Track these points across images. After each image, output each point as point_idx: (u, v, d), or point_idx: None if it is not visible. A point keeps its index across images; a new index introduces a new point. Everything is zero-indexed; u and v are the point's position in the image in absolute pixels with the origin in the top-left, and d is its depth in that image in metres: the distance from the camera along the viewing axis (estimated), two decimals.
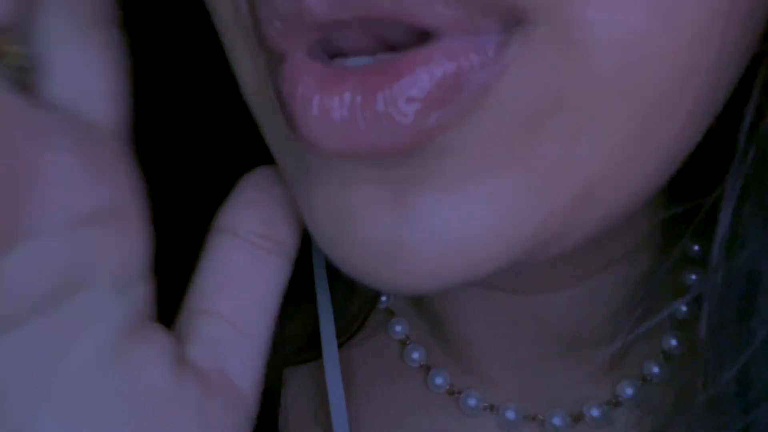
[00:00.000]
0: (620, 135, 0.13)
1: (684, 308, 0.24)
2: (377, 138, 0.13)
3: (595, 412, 0.24)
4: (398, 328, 0.27)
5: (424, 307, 0.26)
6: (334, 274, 0.25)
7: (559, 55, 0.12)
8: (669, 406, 0.22)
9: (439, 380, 0.26)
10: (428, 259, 0.14)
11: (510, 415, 0.24)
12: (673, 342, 0.24)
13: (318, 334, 0.25)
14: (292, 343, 0.27)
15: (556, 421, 0.24)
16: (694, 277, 0.24)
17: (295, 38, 0.13)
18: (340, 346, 0.25)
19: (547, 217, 0.14)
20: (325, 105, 0.13)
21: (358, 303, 0.27)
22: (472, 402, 0.25)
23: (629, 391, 0.24)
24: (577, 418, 0.24)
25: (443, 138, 0.13)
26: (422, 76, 0.12)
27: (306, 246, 0.25)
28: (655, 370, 0.24)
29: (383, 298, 0.27)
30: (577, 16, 0.12)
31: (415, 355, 0.26)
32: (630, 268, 0.22)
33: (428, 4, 0.12)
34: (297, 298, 0.27)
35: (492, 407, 0.25)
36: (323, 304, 0.24)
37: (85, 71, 0.15)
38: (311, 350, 0.26)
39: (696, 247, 0.24)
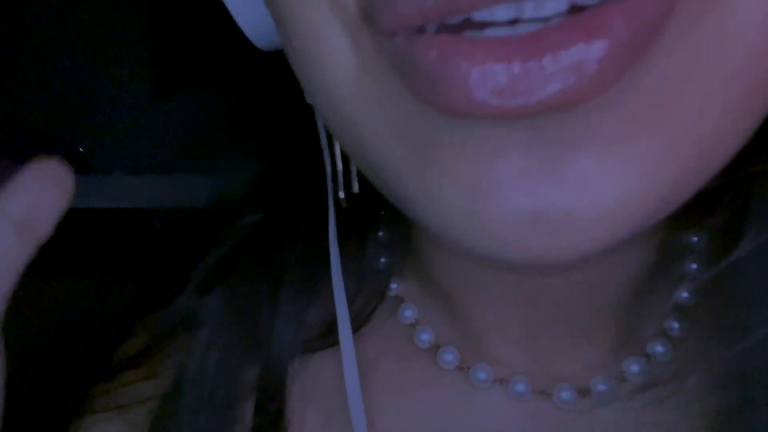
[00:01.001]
0: (740, 93, 0.14)
1: (685, 294, 0.25)
2: (545, 91, 0.12)
3: (602, 387, 0.25)
4: (408, 313, 0.28)
5: (434, 290, 0.27)
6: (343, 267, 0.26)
7: (715, 11, 0.13)
8: (672, 383, 0.23)
9: (449, 357, 0.26)
10: (585, 226, 0.14)
11: (519, 388, 0.25)
12: (675, 325, 0.25)
13: (330, 323, 0.26)
14: (309, 332, 0.27)
15: (564, 395, 0.25)
16: (694, 266, 0.25)
17: (437, 13, 0.13)
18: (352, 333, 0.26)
19: (677, 178, 0.14)
20: (491, 71, 0.13)
21: (367, 293, 0.28)
22: (481, 375, 0.26)
23: (635, 368, 0.25)
24: (584, 392, 0.25)
25: (608, 92, 0.13)
26: (599, 41, 0.12)
27: (321, 239, 0.26)
28: (659, 349, 0.25)
29: (393, 286, 0.28)
30: None
31: (425, 336, 0.27)
32: (636, 252, 0.23)
33: None
34: (309, 290, 0.28)
35: (501, 380, 0.26)
36: (339, 293, 0.25)
37: None
38: (323, 339, 0.27)
39: (695, 239, 0.24)
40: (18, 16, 1.15)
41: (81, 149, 1.16)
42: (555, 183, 0.13)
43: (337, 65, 0.15)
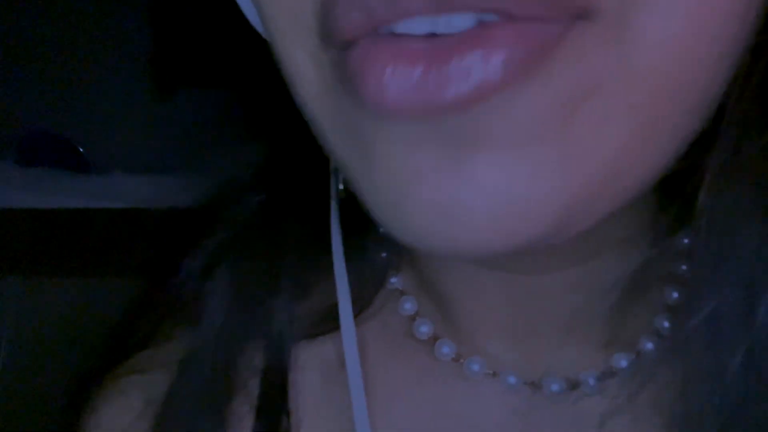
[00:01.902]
0: (643, 121, 0.15)
1: (675, 294, 0.26)
2: (446, 93, 0.14)
3: (591, 380, 0.26)
4: (407, 305, 0.29)
5: (431, 286, 0.28)
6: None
7: (606, 48, 0.14)
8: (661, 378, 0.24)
9: (446, 349, 0.27)
10: (483, 221, 0.15)
11: (511, 380, 0.26)
12: (665, 324, 0.26)
13: (330, 308, 0.27)
14: (308, 319, 0.28)
15: (554, 387, 0.26)
16: (684, 267, 0.25)
17: (369, 25, 0.15)
18: None
19: (578, 192, 0.15)
20: (401, 72, 0.14)
21: (366, 282, 0.29)
22: (475, 367, 0.27)
23: (623, 363, 0.26)
24: (574, 385, 0.26)
25: (495, 99, 0.14)
26: (495, 53, 0.14)
27: (322, 226, 0.27)
28: (649, 346, 0.26)
29: (393, 279, 0.29)
30: (631, 19, 0.14)
31: (424, 328, 0.28)
32: (624, 254, 0.24)
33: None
34: (310, 273, 0.29)
35: (494, 373, 0.27)
36: (341, 281, 0.26)
37: None
38: (323, 324, 0.28)
39: (685, 240, 0.25)
40: (18, 16, 1.15)
41: (81, 149, 1.16)
42: (456, 180, 0.15)
43: (303, 80, 0.18)
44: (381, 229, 0.29)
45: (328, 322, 0.28)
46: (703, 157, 0.19)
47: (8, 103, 1.13)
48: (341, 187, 0.26)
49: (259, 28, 0.23)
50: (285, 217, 0.29)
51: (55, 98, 1.15)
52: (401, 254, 0.29)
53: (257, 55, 0.28)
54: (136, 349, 0.30)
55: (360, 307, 0.28)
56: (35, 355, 0.93)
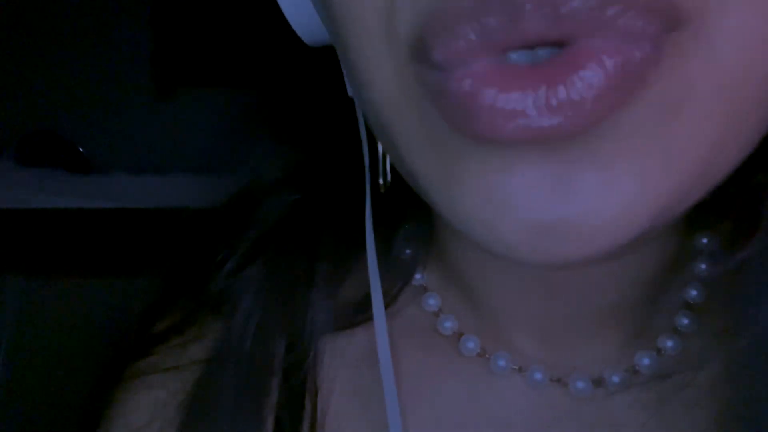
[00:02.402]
0: (734, 116, 0.16)
1: (695, 292, 0.26)
2: (557, 123, 0.14)
3: (615, 378, 0.26)
4: (432, 301, 0.29)
5: (457, 281, 0.28)
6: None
7: (698, 53, 0.15)
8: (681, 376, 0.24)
9: (471, 344, 0.27)
10: (589, 235, 0.15)
11: (537, 376, 0.26)
12: (685, 321, 0.26)
13: (359, 302, 0.27)
14: (338, 312, 0.29)
15: (580, 384, 0.26)
16: (704, 266, 0.26)
17: (481, 48, 0.15)
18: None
19: (676, 190, 0.16)
20: (509, 99, 0.14)
21: (392, 278, 0.29)
22: (501, 363, 0.27)
23: (646, 361, 0.26)
24: (599, 383, 0.26)
25: (604, 123, 0.15)
26: (597, 70, 0.14)
27: (354, 222, 0.27)
28: (670, 344, 0.26)
29: (417, 276, 0.29)
30: (718, 24, 0.14)
31: (448, 324, 0.28)
32: (649, 254, 0.24)
33: (627, 16, 0.14)
34: (343, 268, 0.29)
35: (520, 369, 0.27)
36: (373, 276, 0.26)
37: None
38: (353, 317, 0.28)
39: (705, 240, 0.26)
40: (18, 16, 1.15)
41: (81, 149, 1.16)
42: (562, 198, 0.15)
43: (382, 85, 0.17)
44: (407, 227, 0.29)
45: (356, 316, 0.28)
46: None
47: (8, 103, 1.13)
48: (381, 181, 0.27)
49: (306, 31, 0.23)
50: (318, 216, 0.29)
51: (55, 98, 1.14)
52: (426, 251, 0.29)
53: (282, 56, 0.29)
54: (160, 342, 0.30)
55: (386, 302, 0.28)
56: (35, 355, 0.93)
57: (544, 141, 0.15)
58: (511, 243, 0.16)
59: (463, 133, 0.16)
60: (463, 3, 0.14)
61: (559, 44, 0.14)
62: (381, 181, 0.26)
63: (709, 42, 0.15)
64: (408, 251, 0.29)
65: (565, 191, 0.15)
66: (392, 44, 0.16)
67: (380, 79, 0.17)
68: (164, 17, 1.14)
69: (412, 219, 0.29)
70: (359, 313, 0.27)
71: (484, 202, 0.16)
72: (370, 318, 0.26)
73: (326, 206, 0.29)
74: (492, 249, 0.17)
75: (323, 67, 0.25)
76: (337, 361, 0.28)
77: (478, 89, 0.15)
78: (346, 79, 0.20)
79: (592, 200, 0.15)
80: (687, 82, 0.15)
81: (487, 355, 0.27)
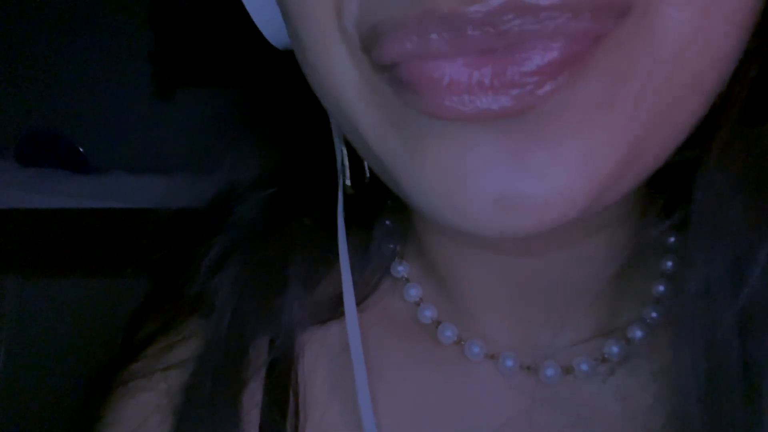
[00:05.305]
0: (669, 100, 0.16)
1: (662, 288, 0.27)
2: (504, 101, 0.15)
3: (584, 366, 0.26)
4: (413, 292, 0.29)
5: (435, 272, 0.28)
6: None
7: (640, 36, 0.15)
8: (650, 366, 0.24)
9: (448, 333, 0.28)
10: (540, 207, 0.16)
11: (508, 363, 0.27)
12: (654, 314, 0.26)
13: (338, 296, 0.28)
14: (319, 305, 0.29)
15: (549, 371, 0.26)
16: (670, 263, 0.26)
17: (420, 53, 0.16)
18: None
19: (615, 167, 0.17)
20: (458, 79, 0.15)
21: (372, 269, 0.30)
22: (475, 350, 0.27)
23: (615, 350, 0.26)
24: (568, 370, 0.26)
25: (550, 103, 0.16)
26: (541, 53, 0.15)
27: (330, 220, 0.27)
28: (639, 334, 0.26)
29: (399, 268, 0.30)
30: (659, 10, 0.15)
31: (428, 313, 0.29)
32: (614, 236, 0.25)
33: (572, 24, 0.15)
34: (318, 265, 0.30)
35: (492, 356, 0.27)
36: (345, 271, 0.27)
37: None
38: (332, 311, 0.29)
39: (672, 239, 0.26)
40: (18, 16, 1.16)
41: (81, 149, 1.17)
42: (516, 172, 0.16)
43: (341, 77, 0.19)
44: (387, 222, 0.30)
45: (337, 309, 0.28)
46: (690, 144, 0.20)
47: (8, 103, 1.14)
48: (348, 183, 0.27)
49: (266, 27, 0.24)
50: (293, 213, 0.29)
51: (55, 98, 1.15)
52: (408, 245, 0.30)
53: (262, 55, 0.29)
54: (147, 345, 0.30)
55: (366, 293, 0.29)
56: (35, 355, 0.94)
57: (493, 119, 0.16)
58: (468, 214, 0.17)
59: (418, 112, 0.17)
60: (406, 19, 0.16)
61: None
62: (348, 182, 0.26)
63: (650, 27, 0.15)
64: (391, 245, 0.30)
65: (519, 167, 0.16)
66: (344, 35, 0.18)
67: (337, 67, 0.18)
68: (164, 17, 1.15)
69: (392, 213, 0.30)
70: (340, 306, 0.28)
71: (443, 176, 0.17)
72: None
73: (303, 203, 0.30)
74: (451, 222, 0.18)
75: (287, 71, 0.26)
76: (319, 353, 0.29)
77: (424, 72, 0.16)
78: (308, 79, 0.21)
79: (542, 176, 0.16)
80: (628, 64, 0.16)
81: (463, 343, 0.27)
